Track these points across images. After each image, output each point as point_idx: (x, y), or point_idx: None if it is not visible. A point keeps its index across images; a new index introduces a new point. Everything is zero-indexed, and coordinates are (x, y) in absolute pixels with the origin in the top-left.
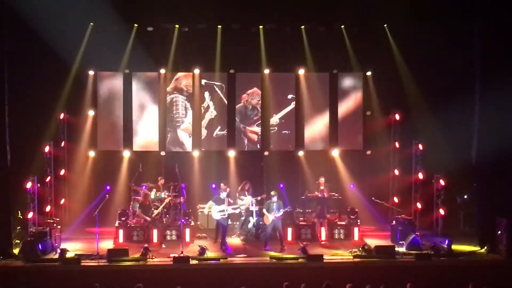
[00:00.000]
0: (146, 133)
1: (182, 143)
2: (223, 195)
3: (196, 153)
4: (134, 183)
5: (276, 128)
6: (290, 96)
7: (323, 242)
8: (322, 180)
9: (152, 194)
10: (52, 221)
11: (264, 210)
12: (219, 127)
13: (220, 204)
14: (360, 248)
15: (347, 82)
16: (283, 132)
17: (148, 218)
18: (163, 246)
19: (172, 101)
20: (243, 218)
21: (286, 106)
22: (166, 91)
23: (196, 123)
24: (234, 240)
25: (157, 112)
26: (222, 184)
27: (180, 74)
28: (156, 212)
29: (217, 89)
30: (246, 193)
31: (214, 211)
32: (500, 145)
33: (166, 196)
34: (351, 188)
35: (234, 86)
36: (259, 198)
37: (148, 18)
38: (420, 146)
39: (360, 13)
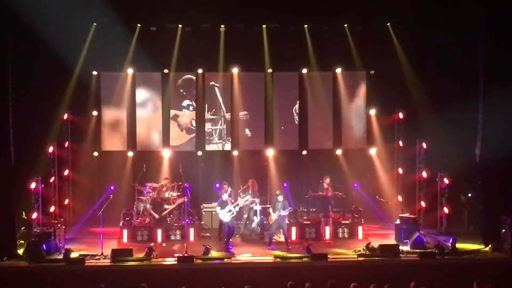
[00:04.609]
0: (149, 133)
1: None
2: (225, 196)
3: (199, 153)
4: (138, 183)
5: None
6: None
7: (327, 241)
8: (327, 179)
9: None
10: (56, 221)
11: (270, 210)
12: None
13: (225, 206)
14: (364, 247)
15: (351, 81)
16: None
17: (157, 216)
18: (164, 244)
19: None
20: (245, 216)
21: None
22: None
23: None
24: (238, 240)
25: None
26: (224, 186)
27: None
28: (167, 209)
29: None
30: (250, 191)
31: (222, 214)
32: (504, 144)
33: (170, 196)
34: (355, 187)
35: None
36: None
37: (151, 18)
38: (424, 145)
39: (363, 12)
